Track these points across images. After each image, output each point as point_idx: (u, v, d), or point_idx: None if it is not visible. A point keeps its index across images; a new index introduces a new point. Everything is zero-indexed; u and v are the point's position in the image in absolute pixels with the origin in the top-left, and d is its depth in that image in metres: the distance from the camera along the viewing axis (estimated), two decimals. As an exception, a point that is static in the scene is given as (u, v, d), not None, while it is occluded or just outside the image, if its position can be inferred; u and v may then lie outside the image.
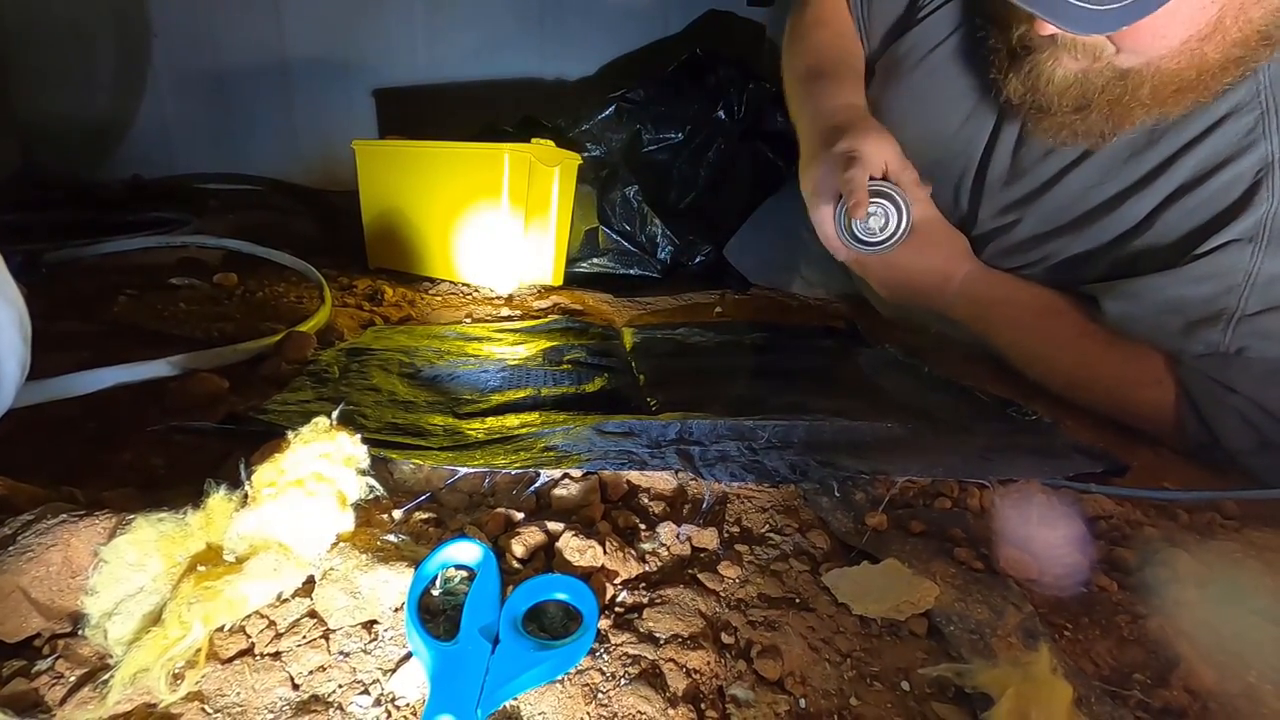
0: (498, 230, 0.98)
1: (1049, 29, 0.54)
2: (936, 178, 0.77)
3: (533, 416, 0.61)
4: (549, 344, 0.81)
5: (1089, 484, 0.52)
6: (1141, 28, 0.50)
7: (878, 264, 0.73)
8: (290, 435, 0.38)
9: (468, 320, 0.91)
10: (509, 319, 0.93)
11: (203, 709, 0.30)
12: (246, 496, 0.36)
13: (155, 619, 0.32)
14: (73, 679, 0.31)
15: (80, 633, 0.32)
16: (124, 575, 0.32)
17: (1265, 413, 0.56)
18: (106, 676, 0.30)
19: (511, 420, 0.60)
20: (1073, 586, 0.39)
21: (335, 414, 0.40)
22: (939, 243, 0.73)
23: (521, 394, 0.67)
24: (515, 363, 0.74)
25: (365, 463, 0.40)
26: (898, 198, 0.64)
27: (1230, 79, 0.54)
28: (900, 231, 0.65)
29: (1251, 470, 0.57)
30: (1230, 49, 0.52)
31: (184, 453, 0.52)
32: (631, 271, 1.14)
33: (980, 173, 0.72)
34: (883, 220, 0.65)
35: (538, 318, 0.93)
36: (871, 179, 0.66)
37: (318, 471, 0.37)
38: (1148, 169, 0.60)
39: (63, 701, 0.30)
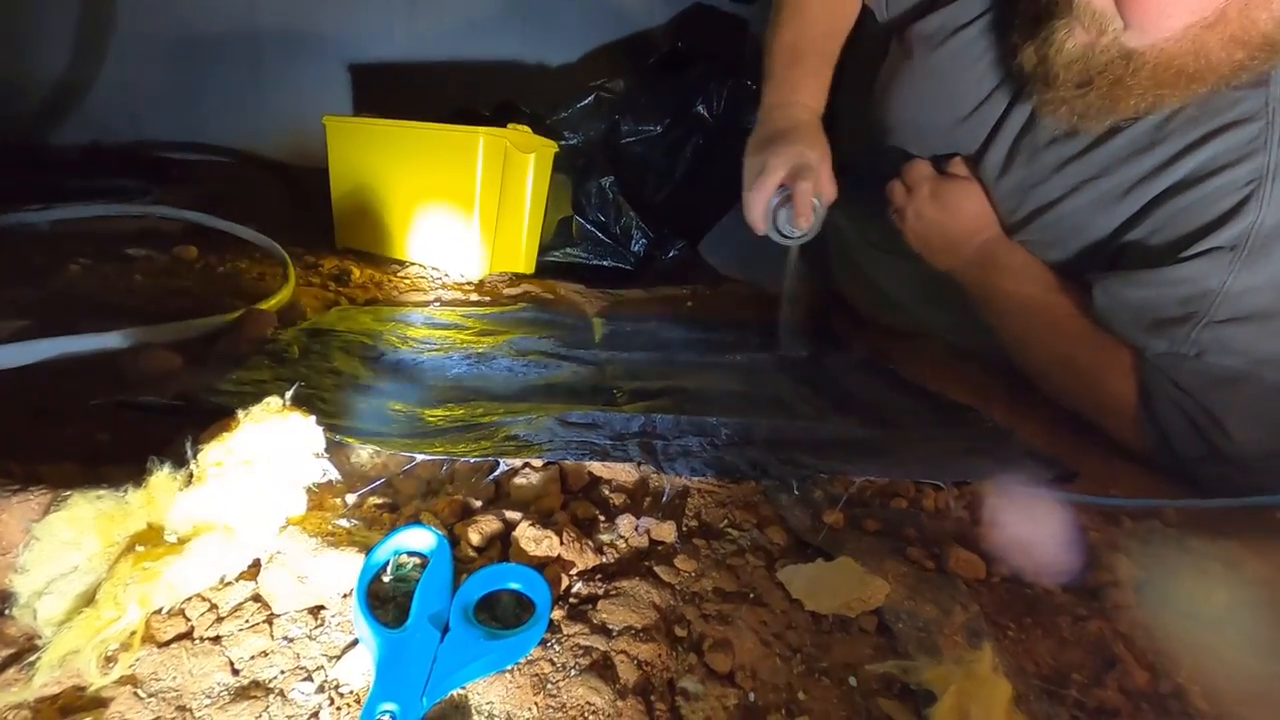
0: (470, 215, 0.97)
1: None
2: (935, 164, 0.79)
3: (496, 405, 0.60)
4: (517, 333, 0.80)
5: (1039, 489, 0.53)
6: (1148, 4, 0.52)
7: (926, 196, 0.76)
8: (240, 414, 0.37)
9: (436, 305, 0.89)
10: (478, 305, 0.91)
11: (135, 693, 0.29)
12: (192, 476, 0.35)
13: (89, 599, 0.31)
14: (-2, 659, 0.30)
15: (6, 612, 0.31)
16: (57, 553, 0.31)
17: (1210, 418, 0.57)
18: (33, 658, 0.29)
19: (474, 409, 0.59)
20: (1066, 576, 0.41)
21: (289, 394, 0.39)
22: (982, 206, 0.74)
23: (486, 383, 0.67)
24: (481, 350, 0.73)
25: (320, 445, 0.39)
26: (818, 208, 0.76)
27: (1233, 79, 0.55)
28: (810, 234, 0.77)
29: (1199, 479, 0.59)
30: (1232, 46, 0.53)
31: (131, 429, 0.51)
32: (604, 263, 1.14)
33: (979, 158, 0.74)
34: (804, 228, 0.77)
35: (507, 305, 0.92)
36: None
37: (268, 452, 0.36)
38: (1148, 168, 0.61)
39: (-14, 683, 0.29)
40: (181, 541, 0.33)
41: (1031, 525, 0.47)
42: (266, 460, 0.36)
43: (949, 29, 0.74)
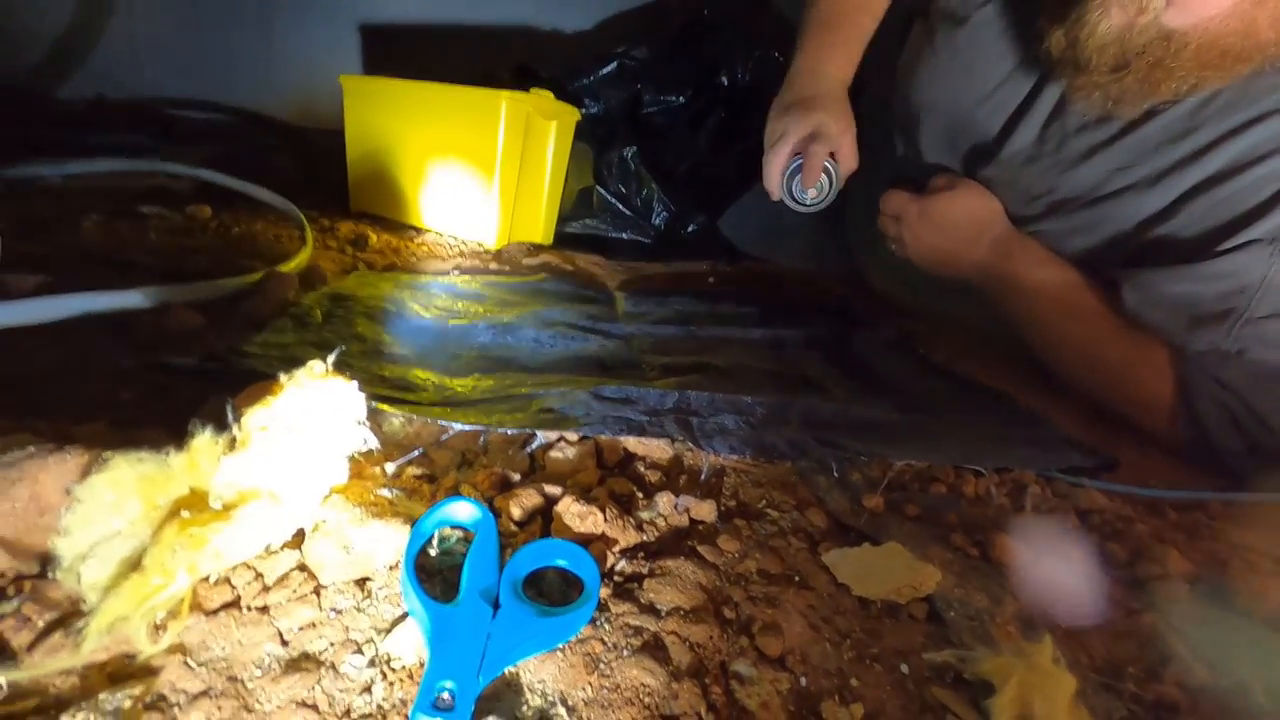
0: (490, 182, 0.94)
1: None
2: (955, 145, 0.77)
3: (525, 376, 0.59)
4: (540, 305, 0.79)
5: (1080, 477, 0.52)
6: None
7: (915, 219, 0.76)
8: (283, 378, 0.36)
9: (455, 273, 0.87)
10: (498, 274, 0.90)
11: (185, 662, 0.29)
12: (235, 440, 0.34)
13: (134, 565, 0.30)
14: (41, 624, 0.29)
15: (50, 575, 0.30)
16: (99, 517, 0.30)
17: (1255, 415, 0.57)
18: (80, 624, 0.28)
19: (504, 379, 0.58)
20: (1093, 618, 0.39)
21: (331, 359, 0.38)
22: (977, 204, 0.73)
23: (513, 353, 0.65)
24: (506, 321, 0.72)
25: (362, 412, 0.38)
26: (834, 177, 0.76)
27: (1276, 60, 0.52)
28: (824, 203, 0.77)
29: (1241, 472, 0.58)
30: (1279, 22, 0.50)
31: (155, 389, 0.49)
32: (624, 235, 1.12)
33: (999, 142, 0.72)
34: (816, 192, 0.76)
35: (528, 275, 0.91)
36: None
37: (312, 418, 0.35)
38: (1180, 156, 0.60)
39: (31, 647, 0.28)
40: (227, 508, 0.32)
41: (1058, 564, 0.45)
42: (311, 426, 0.35)
43: (972, 5, 0.72)
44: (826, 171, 0.75)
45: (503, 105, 0.91)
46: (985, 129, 0.73)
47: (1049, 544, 0.44)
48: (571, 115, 1.04)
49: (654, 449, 0.51)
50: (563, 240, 1.10)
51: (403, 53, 1.59)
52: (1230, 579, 0.42)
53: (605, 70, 1.14)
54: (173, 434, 0.36)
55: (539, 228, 1.05)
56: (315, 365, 0.36)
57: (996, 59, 0.71)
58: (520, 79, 1.14)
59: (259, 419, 0.33)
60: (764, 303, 0.91)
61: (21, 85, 1.34)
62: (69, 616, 0.29)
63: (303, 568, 0.33)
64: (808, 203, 0.76)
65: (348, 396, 0.37)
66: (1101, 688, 0.34)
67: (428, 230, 1.01)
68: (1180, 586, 0.41)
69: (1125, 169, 0.63)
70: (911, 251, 0.78)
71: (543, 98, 0.97)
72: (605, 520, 0.41)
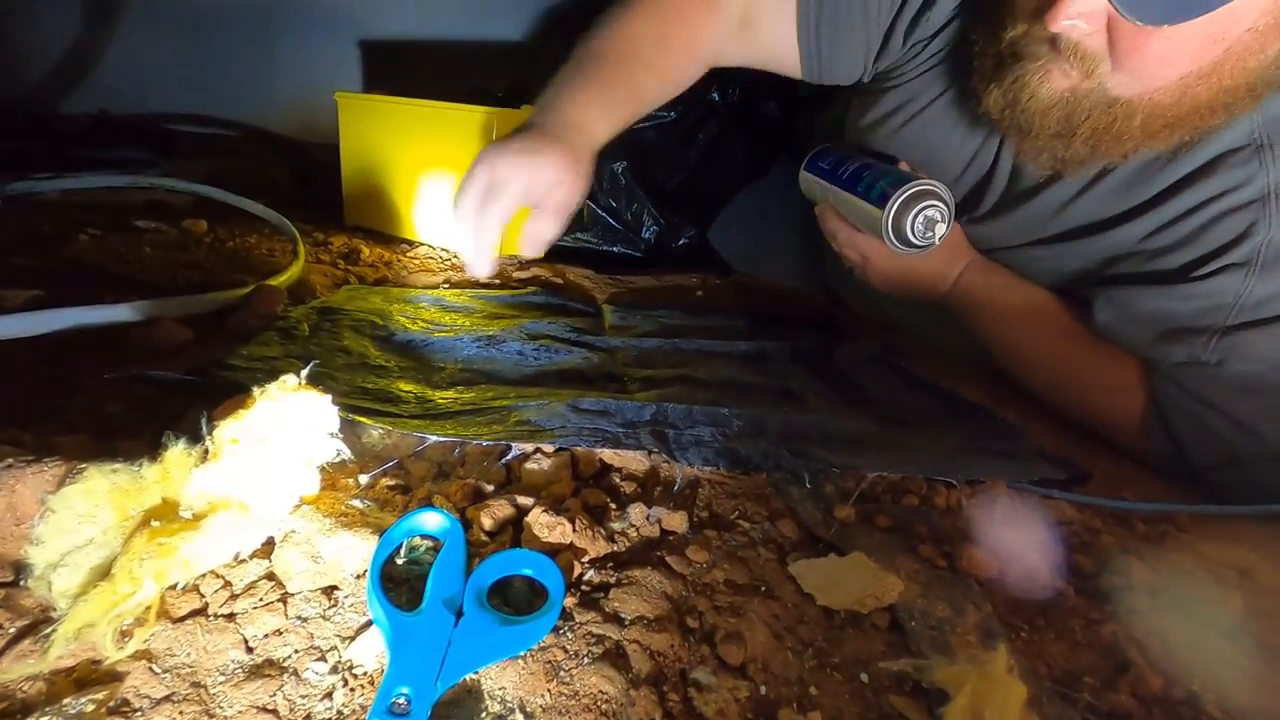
0: (481, 196, 0.96)
1: (1057, 25, 0.50)
2: None
3: (507, 389, 0.60)
4: (527, 318, 0.80)
5: (1051, 489, 0.53)
6: (1149, 53, 0.49)
7: (880, 258, 0.73)
8: (256, 391, 0.37)
9: (445, 286, 0.89)
10: (486, 287, 0.91)
11: (150, 668, 0.29)
12: (207, 452, 0.35)
13: (104, 573, 0.31)
14: (12, 630, 0.30)
15: (22, 583, 0.31)
16: (72, 526, 0.31)
17: (1236, 425, 0.57)
18: (49, 630, 0.29)
19: (485, 392, 0.59)
20: (1035, 589, 0.40)
21: (305, 372, 0.39)
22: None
23: (496, 366, 0.66)
24: (491, 334, 0.73)
25: (334, 425, 0.39)
26: (946, 198, 0.63)
27: (1214, 123, 0.53)
28: (947, 230, 0.64)
29: (1213, 486, 0.58)
30: (1219, 94, 0.51)
31: (141, 402, 0.50)
32: (614, 249, 1.13)
33: (970, 207, 0.72)
34: (939, 219, 0.63)
35: (516, 289, 0.92)
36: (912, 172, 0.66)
37: (283, 430, 0.36)
38: (1146, 197, 0.60)
39: (1, 653, 0.29)
40: (197, 518, 0.32)
41: (1018, 531, 0.46)
42: (281, 438, 0.35)
43: (911, 111, 0.71)
44: (937, 195, 0.64)
45: (494, 123, 0.92)
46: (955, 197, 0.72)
47: (1010, 518, 0.45)
48: (563, 131, 1.05)
49: (630, 460, 0.52)
50: (554, 253, 1.11)
51: (401, 68, 1.62)
52: (1194, 591, 0.43)
53: (597, 86, 1.16)
54: (153, 446, 0.37)
55: (530, 241, 1.07)
56: (288, 379, 0.37)
57: (956, 148, 0.70)
58: (514, 95, 1.16)
59: (230, 431, 0.34)
60: (750, 316, 0.92)
61: (24, 101, 1.37)
62: (38, 624, 0.30)
63: (271, 576, 0.34)
64: (927, 238, 0.64)
65: (319, 409, 0.38)
66: (1057, 696, 0.35)
67: (420, 244, 1.02)
68: (1143, 598, 0.42)
69: (1092, 221, 0.64)
70: (878, 285, 0.76)
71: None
72: (574, 530, 0.41)
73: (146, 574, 0.30)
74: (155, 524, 0.32)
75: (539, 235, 0.64)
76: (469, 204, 0.59)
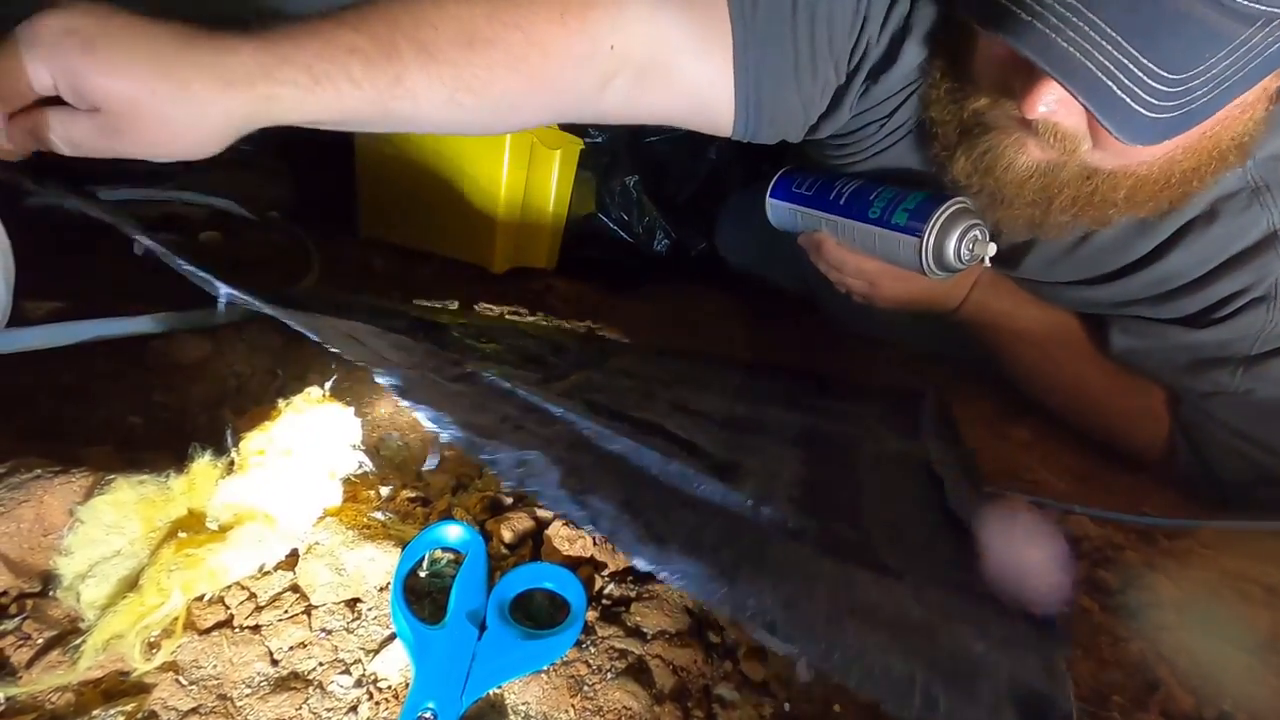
0: (494, 209, 0.96)
1: (1034, 114, 0.44)
2: None
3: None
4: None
5: (1072, 505, 0.52)
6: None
7: (890, 283, 0.68)
8: (281, 403, 0.37)
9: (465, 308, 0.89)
10: (516, 312, 0.91)
11: (177, 680, 0.29)
12: (233, 464, 0.35)
13: (132, 584, 0.31)
14: (41, 641, 0.30)
15: (51, 593, 0.31)
16: (100, 537, 0.31)
17: (1268, 451, 0.56)
18: (78, 641, 0.29)
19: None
20: (1055, 606, 0.39)
21: (328, 385, 0.39)
22: None
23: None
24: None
25: (357, 437, 0.39)
26: (979, 212, 0.58)
27: (1203, 184, 0.50)
28: (990, 248, 0.59)
29: (1246, 504, 0.57)
30: (1207, 160, 0.48)
31: (163, 413, 0.51)
32: (627, 261, 1.14)
33: None
34: (980, 237, 0.59)
35: (530, 307, 0.92)
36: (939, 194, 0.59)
37: (308, 442, 0.36)
38: (1145, 250, 0.58)
39: (30, 664, 0.29)
40: (223, 529, 0.33)
41: (1027, 551, 0.45)
42: (306, 450, 0.36)
43: (869, 154, 0.63)
44: (973, 213, 0.59)
45: (507, 137, 0.93)
46: None
47: (1019, 531, 0.44)
48: (575, 145, 1.06)
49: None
50: (567, 266, 1.12)
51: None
52: (1221, 608, 0.42)
53: (609, 101, 1.17)
54: (177, 457, 0.37)
55: (543, 254, 1.07)
56: (313, 390, 0.37)
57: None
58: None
59: (256, 443, 0.34)
60: (814, 383, 0.76)
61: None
62: (67, 634, 0.30)
63: (295, 588, 0.34)
64: (962, 266, 0.59)
65: (344, 421, 0.38)
66: (1086, 716, 0.34)
67: (435, 256, 1.03)
68: (1169, 615, 0.41)
69: (1090, 274, 0.61)
70: (884, 304, 0.71)
71: (547, 129, 1.00)
72: (594, 544, 0.41)
73: (174, 585, 0.30)
74: (182, 535, 0.32)
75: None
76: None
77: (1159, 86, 0.39)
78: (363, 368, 0.35)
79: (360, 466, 0.40)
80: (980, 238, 0.59)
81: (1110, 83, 0.39)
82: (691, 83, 0.54)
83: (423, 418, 0.34)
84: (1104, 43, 0.39)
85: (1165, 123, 0.41)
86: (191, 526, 0.33)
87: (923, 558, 0.41)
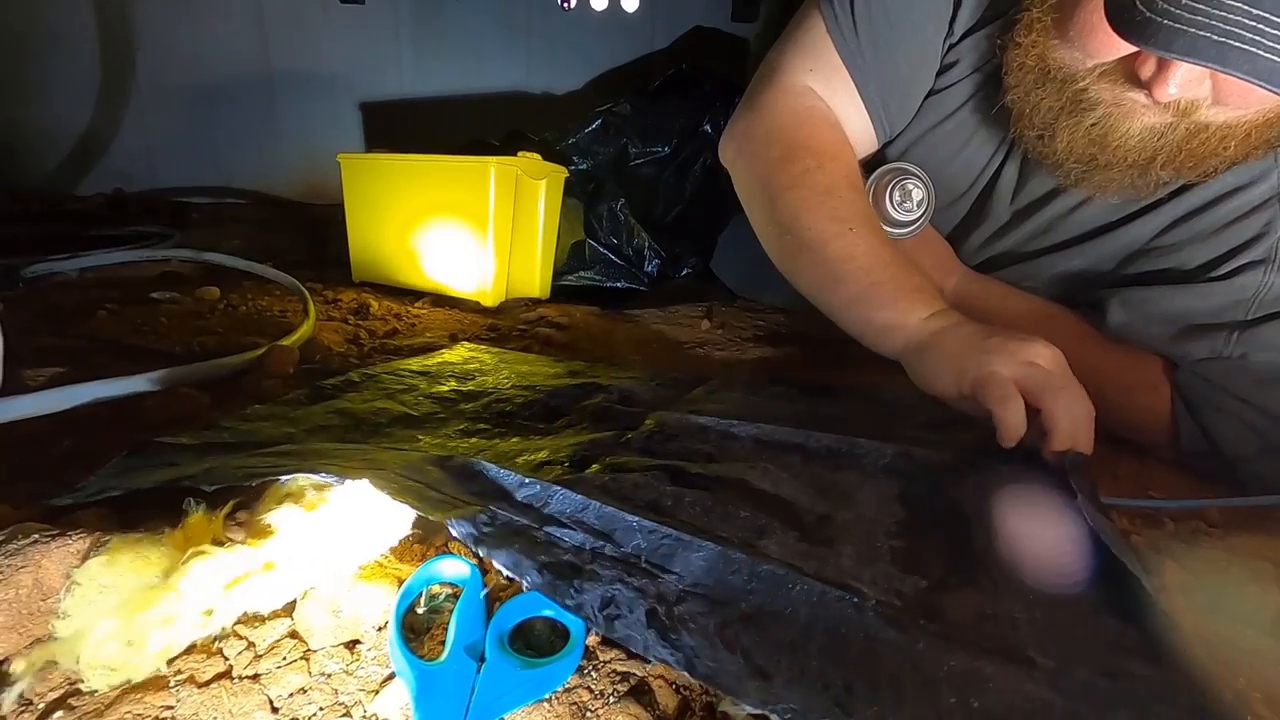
0: (484, 243, 0.98)
1: (1164, 98, 0.46)
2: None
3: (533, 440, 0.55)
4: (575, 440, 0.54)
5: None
6: (1258, 93, 0.45)
7: None
8: (311, 495, 0.37)
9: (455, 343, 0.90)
10: (499, 337, 0.92)
11: (178, 735, 0.29)
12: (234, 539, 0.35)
13: (129, 642, 0.31)
14: (42, 706, 0.30)
15: (51, 658, 0.31)
16: (96, 597, 0.31)
17: (1266, 416, 0.56)
18: (78, 704, 0.29)
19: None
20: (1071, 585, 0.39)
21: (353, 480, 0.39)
22: (929, 251, 0.73)
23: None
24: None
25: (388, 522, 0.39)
26: (920, 174, 0.67)
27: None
28: (929, 207, 0.67)
29: (1249, 477, 0.57)
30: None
31: (158, 470, 0.51)
32: (618, 284, 1.14)
33: (975, 221, 0.72)
34: (919, 194, 0.67)
35: (525, 335, 0.93)
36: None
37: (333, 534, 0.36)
38: (1159, 196, 0.60)
39: (32, 729, 0.29)
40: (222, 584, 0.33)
41: (1041, 530, 0.44)
42: (329, 542, 0.36)
43: (922, 129, 0.70)
44: (910, 174, 0.66)
45: (491, 172, 0.95)
46: (958, 215, 0.72)
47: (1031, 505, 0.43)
48: (560, 173, 1.08)
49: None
50: (560, 293, 1.12)
51: (400, 125, 1.67)
52: (1231, 588, 0.42)
53: (591, 127, 1.19)
54: (173, 513, 0.37)
55: (535, 283, 1.08)
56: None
57: (964, 167, 0.68)
58: (511, 143, 1.19)
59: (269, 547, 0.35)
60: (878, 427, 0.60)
61: (42, 186, 1.42)
62: (68, 696, 0.30)
63: (294, 634, 0.34)
64: (914, 214, 0.67)
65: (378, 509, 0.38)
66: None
67: (428, 293, 1.04)
68: (1178, 598, 0.41)
69: (1101, 223, 0.64)
70: None
71: (531, 160, 1.01)
72: (593, 568, 0.41)
73: (169, 640, 0.30)
74: (179, 589, 0.32)
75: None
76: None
77: None
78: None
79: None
80: (913, 189, 0.67)
81: (1268, 55, 0.40)
82: (851, 130, 0.68)
83: (499, 565, 0.35)
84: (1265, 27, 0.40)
85: None
86: (187, 580, 0.33)
87: (1058, 615, 0.34)
